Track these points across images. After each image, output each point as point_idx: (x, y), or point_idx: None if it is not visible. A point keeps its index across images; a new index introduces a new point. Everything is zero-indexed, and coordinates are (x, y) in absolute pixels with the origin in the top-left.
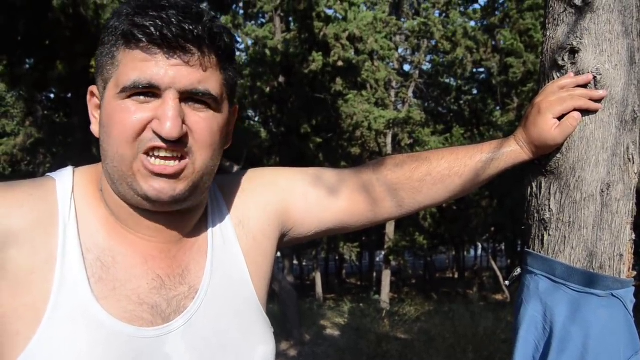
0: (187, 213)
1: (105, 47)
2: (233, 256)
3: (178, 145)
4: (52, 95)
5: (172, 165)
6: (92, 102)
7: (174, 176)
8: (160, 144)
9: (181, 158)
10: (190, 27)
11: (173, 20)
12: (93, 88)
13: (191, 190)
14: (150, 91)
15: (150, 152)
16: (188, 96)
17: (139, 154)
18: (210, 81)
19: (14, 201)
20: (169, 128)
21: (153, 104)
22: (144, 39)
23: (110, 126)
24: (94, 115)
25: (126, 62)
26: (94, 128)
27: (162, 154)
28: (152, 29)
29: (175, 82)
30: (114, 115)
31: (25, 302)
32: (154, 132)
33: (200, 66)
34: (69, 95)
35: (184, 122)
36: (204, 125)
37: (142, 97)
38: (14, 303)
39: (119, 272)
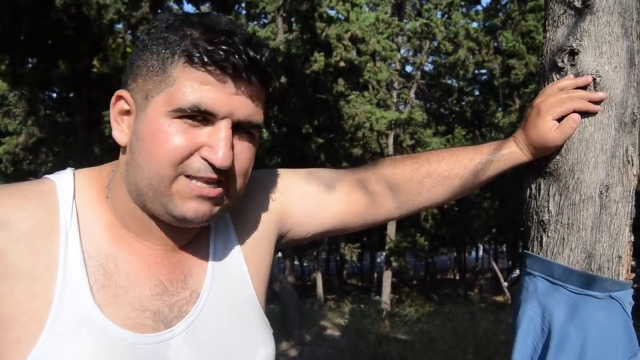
0: None
1: (155, 57)
2: (234, 259)
3: (223, 174)
4: (54, 95)
5: (213, 189)
6: (117, 107)
7: (215, 199)
8: (210, 175)
9: (218, 183)
10: (255, 57)
11: (241, 47)
12: (123, 93)
13: (224, 212)
14: (205, 116)
15: (193, 177)
16: (238, 125)
17: (180, 176)
18: (260, 112)
19: (13, 205)
20: (223, 158)
21: (205, 130)
22: (211, 63)
23: (153, 144)
24: (117, 120)
25: (185, 82)
26: (119, 135)
27: (201, 179)
28: (223, 54)
29: (234, 112)
30: (160, 134)
31: (27, 309)
32: (204, 159)
33: (258, 98)
34: (71, 94)
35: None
36: (247, 154)
37: (193, 121)
38: (15, 310)
39: (121, 279)
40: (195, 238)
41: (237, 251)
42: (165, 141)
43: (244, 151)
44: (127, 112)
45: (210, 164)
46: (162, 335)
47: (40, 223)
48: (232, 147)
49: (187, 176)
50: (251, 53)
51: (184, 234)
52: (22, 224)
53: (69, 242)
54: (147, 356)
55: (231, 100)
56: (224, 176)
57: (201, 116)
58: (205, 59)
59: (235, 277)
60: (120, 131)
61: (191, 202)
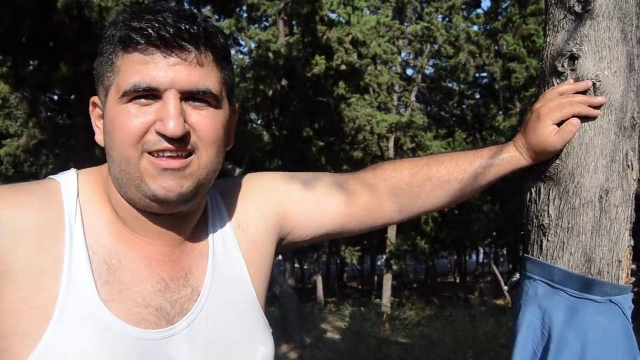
0: (189, 215)
1: (104, 56)
2: (233, 259)
3: (182, 144)
4: (55, 97)
5: (175, 159)
6: (94, 113)
7: (180, 170)
8: (165, 145)
9: (187, 155)
10: (186, 27)
11: (169, 21)
12: (94, 99)
13: (197, 188)
14: (151, 93)
15: (155, 153)
16: (188, 95)
17: (144, 154)
18: (210, 79)
19: (20, 203)
20: (172, 126)
21: (154, 106)
22: (141, 41)
23: (113, 131)
24: (97, 125)
25: (126, 67)
26: (99, 137)
27: (167, 154)
28: (149, 30)
29: (174, 82)
30: (116, 120)
31: (33, 304)
32: (158, 133)
33: (198, 64)
34: (73, 96)
35: (186, 121)
36: (206, 122)
37: (143, 100)
38: (21, 305)
39: (124, 275)
40: (194, 237)
41: (236, 252)
42: (122, 125)
43: (204, 120)
44: (102, 116)
45: (164, 136)
46: (164, 332)
47: (46, 220)
48: (186, 116)
49: (150, 153)
50: (181, 24)
51: (176, 228)
52: (29, 221)
53: (74, 239)
54: (149, 352)
55: (169, 71)
56: (184, 146)
57: (148, 94)
58: (137, 39)
59: (235, 277)
60: (99, 134)
61: (159, 179)
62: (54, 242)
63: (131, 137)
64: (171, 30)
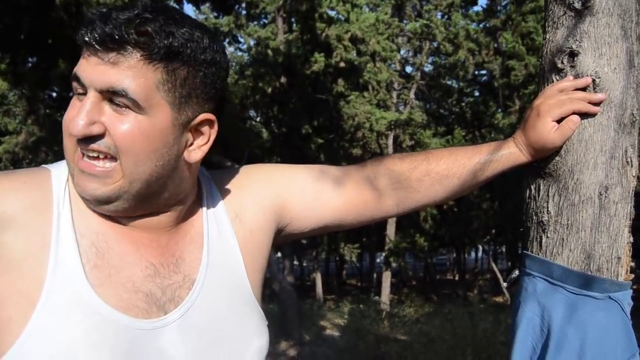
0: (165, 208)
1: None
2: (229, 249)
3: (91, 145)
4: (54, 94)
5: (98, 166)
6: None
7: (98, 176)
8: (79, 145)
9: (111, 160)
10: (112, 29)
11: (104, 19)
12: None
13: (117, 195)
14: (83, 90)
15: (83, 150)
16: (109, 97)
17: (77, 148)
18: (132, 81)
19: (9, 188)
20: (73, 124)
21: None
22: (81, 39)
23: None
24: None
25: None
26: None
27: (88, 153)
28: (84, 29)
29: (92, 80)
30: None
31: (18, 288)
32: None
33: (117, 63)
34: (71, 94)
35: (99, 122)
36: (121, 127)
37: (80, 96)
38: (8, 289)
39: (113, 259)
40: (184, 224)
41: (233, 241)
42: (66, 114)
43: (117, 123)
44: None
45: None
46: (155, 322)
47: (35, 204)
48: (102, 117)
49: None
50: (111, 25)
51: (156, 217)
52: (16, 206)
53: (61, 222)
54: (139, 341)
55: (90, 70)
56: (96, 147)
57: (82, 91)
58: (78, 36)
59: (231, 267)
60: None
61: (78, 176)
62: (42, 225)
63: (65, 129)
64: (98, 32)
